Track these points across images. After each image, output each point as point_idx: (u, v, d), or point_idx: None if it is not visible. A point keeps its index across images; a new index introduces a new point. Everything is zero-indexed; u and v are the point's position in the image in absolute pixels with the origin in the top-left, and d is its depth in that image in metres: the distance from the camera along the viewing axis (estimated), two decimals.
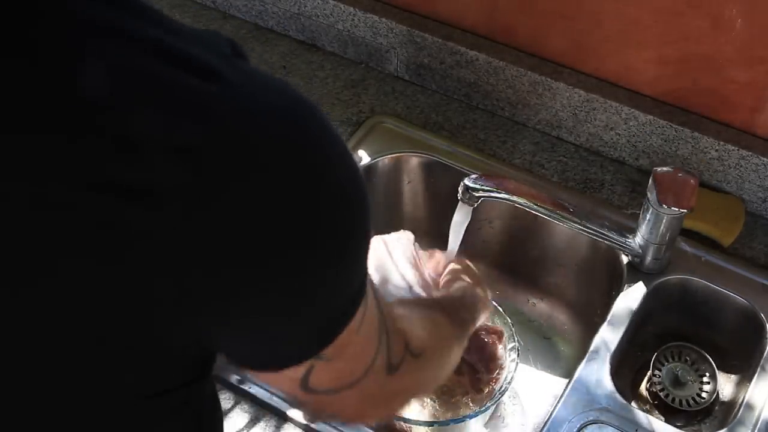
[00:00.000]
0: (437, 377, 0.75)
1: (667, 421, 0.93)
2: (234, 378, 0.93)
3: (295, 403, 0.59)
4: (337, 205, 0.46)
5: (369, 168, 1.17)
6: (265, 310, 0.46)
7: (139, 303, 0.43)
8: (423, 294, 0.94)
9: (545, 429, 0.91)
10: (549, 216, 0.99)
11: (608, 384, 0.94)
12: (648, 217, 0.97)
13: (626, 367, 1.05)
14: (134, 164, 0.39)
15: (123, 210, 0.39)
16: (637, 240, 1.00)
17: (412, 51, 1.24)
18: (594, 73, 1.13)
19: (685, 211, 0.94)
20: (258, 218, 0.42)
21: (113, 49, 0.40)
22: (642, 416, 0.92)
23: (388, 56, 1.27)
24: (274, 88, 0.44)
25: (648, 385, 1.04)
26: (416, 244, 1.00)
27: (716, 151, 1.07)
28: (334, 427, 0.90)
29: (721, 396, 1.03)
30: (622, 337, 0.98)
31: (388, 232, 1.02)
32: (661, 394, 1.02)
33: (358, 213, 0.48)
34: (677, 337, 1.07)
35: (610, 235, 1.01)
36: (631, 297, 1.01)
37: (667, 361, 1.05)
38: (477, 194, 0.97)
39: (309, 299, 0.47)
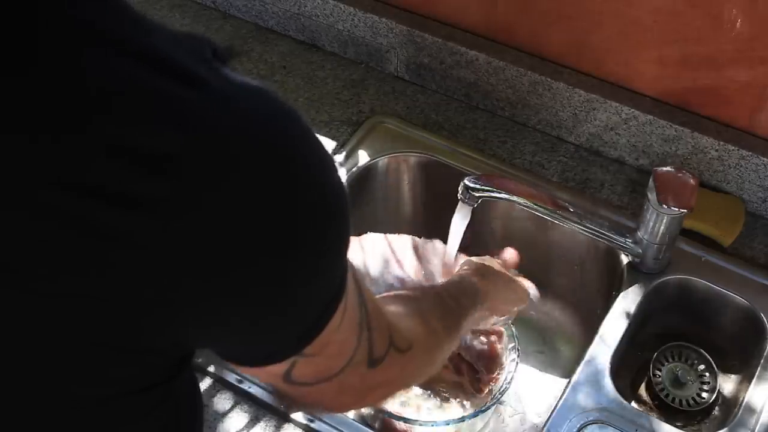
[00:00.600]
0: (426, 370, 0.75)
1: (667, 421, 0.93)
2: (234, 378, 0.93)
3: (275, 392, 0.60)
4: (317, 210, 0.46)
5: (369, 168, 1.17)
6: (248, 314, 0.47)
7: (121, 308, 0.43)
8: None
9: (545, 429, 0.91)
10: (549, 216, 0.99)
11: (608, 384, 0.94)
12: (648, 217, 0.97)
13: (626, 367, 1.05)
14: (115, 171, 0.39)
15: (104, 216, 0.39)
16: (637, 240, 1.00)
17: (412, 51, 1.24)
18: (594, 73, 1.13)
19: (685, 211, 0.94)
20: (239, 225, 0.42)
21: (99, 54, 0.40)
22: (642, 416, 0.92)
23: (388, 56, 1.27)
24: (255, 94, 0.45)
25: (648, 385, 1.04)
26: (421, 238, 1.01)
27: (716, 151, 1.07)
28: (335, 428, 0.90)
29: (721, 396, 1.03)
30: (622, 337, 0.98)
31: (388, 232, 1.02)
32: (661, 394, 1.02)
33: (338, 218, 0.48)
34: (677, 337, 1.07)
35: (610, 235, 1.01)
36: (631, 297, 1.01)
37: (667, 361, 1.05)
38: (477, 194, 0.97)
39: (290, 302, 0.48)
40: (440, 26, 1.21)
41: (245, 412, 0.92)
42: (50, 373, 0.46)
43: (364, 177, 1.17)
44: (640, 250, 1.01)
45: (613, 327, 0.99)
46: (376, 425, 0.97)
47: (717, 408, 1.03)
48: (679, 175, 0.95)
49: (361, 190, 1.17)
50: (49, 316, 0.43)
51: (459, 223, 1.01)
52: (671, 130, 1.09)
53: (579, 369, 0.95)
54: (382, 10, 1.24)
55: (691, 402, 1.02)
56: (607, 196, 1.13)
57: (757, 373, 0.96)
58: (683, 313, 1.06)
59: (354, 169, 1.16)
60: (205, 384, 0.94)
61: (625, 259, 1.04)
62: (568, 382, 0.95)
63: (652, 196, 0.95)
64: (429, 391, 1.02)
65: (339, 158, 1.17)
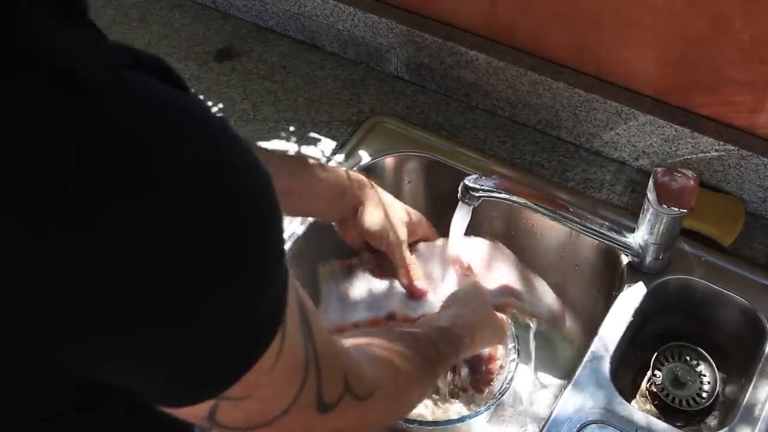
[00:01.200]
0: (390, 417, 0.72)
1: (667, 421, 0.93)
2: None
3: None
4: (227, 240, 0.41)
5: (369, 168, 1.17)
6: (153, 352, 0.43)
7: (24, 336, 0.41)
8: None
9: (545, 429, 0.91)
10: (549, 216, 0.99)
11: (608, 384, 0.94)
12: (648, 217, 0.97)
13: (626, 367, 1.05)
14: (7, 187, 0.37)
15: (10, 241, 0.38)
16: (637, 240, 1.00)
17: (412, 51, 1.24)
18: (594, 73, 1.13)
19: (685, 211, 0.94)
20: (131, 252, 0.39)
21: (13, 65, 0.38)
22: (642, 416, 0.92)
23: (388, 56, 1.27)
24: (160, 105, 0.40)
25: (648, 385, 1.04)
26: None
27: (716, 151, 1.07)
28: None
29: (721, 396, 1.03)
30: (622, 337, 0.98)
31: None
32: (661, 394, 1.02)
33: (257, 249, 0.43)
34: (677, 337, 1.07)
35: (610, 235, 1.01)
36: (631, 297, 1.01)
37: (667, 361, 1.05)
38: (477, 194, 0.97)
39: (198, 341, 0.43)
40: (440, 26, 1.21)
41: None
42: None
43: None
44: (640, 250, 1.01)
45: (613, 327, 0.99)
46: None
47: (717, 408, 1.03)
48: (679, 175, 0.95)
49: None
50: None
51: (459, 223, 1.01)
52: (671, 130, 1.09)
53: (579, 369, 0.95)
54: (382, 10, 1.24)
55: (691, 402, 1.02)
56: (607, 196, 1.13)
57: (757, 373, 0.96)
58: (683, 313, 1.06)
59: (354, 170, 1.16)
60: None
61: (625, 259, 1.04)
62: (568, 382, 0.95)
63: (652, 196, 0.95)
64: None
65: (339, 158, 1.17)
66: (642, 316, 1.01)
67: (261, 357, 0.46)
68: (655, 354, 1.05)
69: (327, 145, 1.19)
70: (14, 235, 0.37)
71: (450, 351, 0.81)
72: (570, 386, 0.94)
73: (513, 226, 1.17)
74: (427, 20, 1.22)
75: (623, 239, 1.01)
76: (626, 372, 1.06)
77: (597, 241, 1.04)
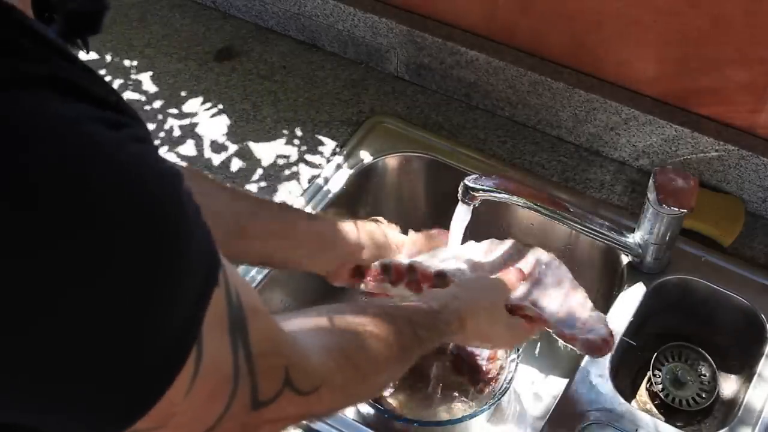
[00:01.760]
0: (342, 407, 0.69)
1: (667, 421, 0.93)
2: None
3: None
4: (116, 247, 0.38)
5: (369, 168, 1.17)
6: (51, 400, 0.40)
7: None
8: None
9: (545, 429, 0.91)
10: (549, 216, 0.99)
11: (608, 384, 0.94)
12: (648, 217, 0.97)
13: (626, 367, 1.05)
14: None
15: None
16: (637, 240, 1.00)
17: (412, 51, 1.24)
18: (594, 73, 1.13)
19: (685, 211, 0.94)
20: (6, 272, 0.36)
21: None
22: (642, 416, 0.92)
23: (388, 56, 1.27)
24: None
25: (648, 385, 1.04)
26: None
27: (716, 151, 1.07)
28: (334, 428, 0.90)
29: (721, 396, 1.03)
30: (622, 337, 0.98)
31: None
32: (661, 394, 1.02)
33: (154, 261, 0.40)
34: (677, 337, 1.07)
35: (610, 235, 1.01)
36: (631, 297, 1.01)
37: (667, 361, 1.05)
38: (477, 194, 0.97)
39: (96, 380, 0.40)
40: (440, 26, 1.21)
41: None
42: None
43: (364, 177, 1.17)
44: (640, 250, 1.01)
45: (613, 327, 0.99)
46: (376, 425, 0.97)
47: (717, 408, 1.03)
48: (679, 175, 0.95)
49: (360, 190, 1.17)
50: None
51: (459, 223, 1.01)
52: (671, 130, 1.09)
53: (579, 369, 0.95)
54: (382, 10, 1.24)
55: (691, 402, 1.02)
56: (607, 196, 1.13)
57: (757, 373, 0.96)
58: (683, 313, 1.06)
59: (354, 169, 1.16)
60: None
61: (625, 259, 1.04)
62: (568, 382, 0.95)
63: (652, 196, 0.95)
64: (429, 391, 1.02)
65: (339, 158, 1.17)
66: (642, 316, 1.01)
67: (168, 387, 0.43)
68: (655, 354, 1.05)
69: (327, 145, 1.19)
70: None
71: (431, 336, 0.76)
72: (570, 386, 0.94)
73: (513, 227, 1.17)
74: (427, 20, 1.22)
75: (623, 239, 1.01)
76: (626, 372, 1.06)
77: (597, 241, 1.04)
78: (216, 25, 1.38)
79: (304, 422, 0.90)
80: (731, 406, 1.00)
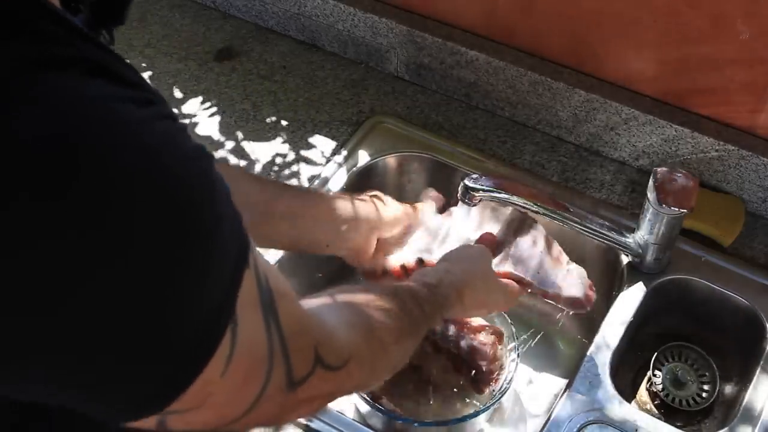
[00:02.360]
0: (368, 382, 0.71)
1: (667, 421, 0.93)
2: None
3: None
4: (150, 231, 0.39)
5: (369, 168, 1.17)
6: (59, 364, 0.40)
7: None
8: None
9: (545, 429, 0.91)
10: (549, 216, 0.99)
11: (608, 384, 0.94)
12: (648, 217, 0.97)
13: (626, 367, 1.05)
14: None
15: None
16: (637, 240, 1.00)
17: (412, 51, 1.24)
18: (594, 73, 1.13)
19: (685, 211, 0.94)
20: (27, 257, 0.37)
21: None
22: (642, 416, 0.92)
23: (388, 56, 1.27)
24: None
25: (648, 385, 1.04)
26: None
27: (716, 151, 1.07)
28: (334, 428, 0.90)
29: (721, 396, 1.03)
30: (622, 337, 0.98)
31: None
32: (661, 394, 1.02)
33: (186, 242, 0.40)
34: (677, 337, 1.07)
35: (610, 235, 1.01)
36: (631, 297, 1.01)
37: (667, 361, 1.05)
38: (477, 194, 0.97)
39: (122, 355, 0.40)
40: (440, 26, 1.21)
41: None
42: None
43: (364, 177, 1.17)
44: (640, 250, 1.01)
45: (613, 327, 0.99)
46: (376, 425, 0.97)
47: (717, 408, 1.03)
48: (679, 175, 0.95)
49: (360, 190, 1.17)
50: None
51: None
52: (671, 130, 1.09)
53: (579, 369, 0.95)
54: (382, 10, 1.24)
55: (691, 402, 1.02)
56: (607, 196, 1.13)
57: (757, 373, 0.96)
58: (683, 313, 1.06)
59: (354, 169, 1.16)
60: None
61: (625, 259, 1.04)
62: (568, 382, 0.95)
63: (652, 196, 0.95)
64: (429, 391, 1.02)
65: (339, 158, 1.17)
66: (642, 316, 1.01)
67: (204, 367, 0.43)
68: (655, 354, 1.05)
69: (327, 145, 1.19)
70: None
71: (434, 310, 0.78)
72: (570, 386, 0.94)
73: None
74: (427, 20, 1.22)
75: (623, 239, 1.01)
76: (626, 372, 1.06)
77: (597, 241, 1.04)
78: (216, 25, 1.38)
79: (305, 422, 0.90)
80: (731, 406, 1.00)
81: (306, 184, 1.14)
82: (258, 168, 1.17)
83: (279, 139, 1.20)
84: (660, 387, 1.03)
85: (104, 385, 0.41)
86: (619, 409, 0.92)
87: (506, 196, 0.98)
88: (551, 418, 0.91)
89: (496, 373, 1.00)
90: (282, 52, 1.34)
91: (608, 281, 1.09)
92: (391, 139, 1.20)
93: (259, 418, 0.52)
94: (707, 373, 1.04)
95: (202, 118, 1.24)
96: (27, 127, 0.36)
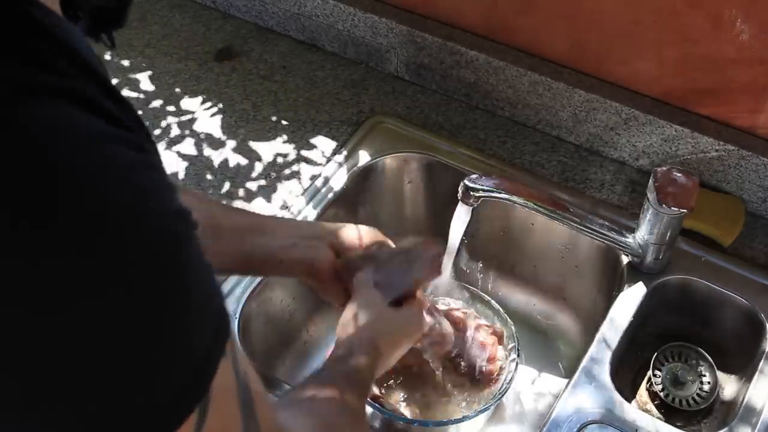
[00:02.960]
0: None
1: (667, 421, 0.93)
2: None
3: None
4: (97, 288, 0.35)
5: (369, 168, 1.17)
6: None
7: None
8: None
9: (545, 429, 0.91)
10: (549, 216, 0.99)
11: (608, 384, 0.94)
12: (648, 217, 0.97)
13: (626, 367, 1.05)
14: None
15: None
16: (637, 240, 1.00)
17: (412, 51, 1.24)
18: (594, 73, 1.13)
19: (685, 211, 0.94)
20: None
21: None
22: (642, 416, 0.92)
23: (388, 56, 1.27)
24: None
25: (648, 385, 1.04)
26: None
27: (716, 151, 1.07)
28: None
29: (721, 396, 1.03)
30: (622, 337, 0.98)
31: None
32: (661, 394, 1.02)
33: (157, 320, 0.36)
34: (677, 337, 1.07)
35: (610, 235, 1.01)
36: (631, 297, 1.01)
37: (667, 361, 1.05)
38: (477, 194, 0.97)
39: (79, 416, 0.36)
40: (440, 26, 1.21)
41: None
42: None
43: (364, 177, 1.17)
44: (640, 250, 1.01)
45: (613, 327, 0.99)
46: (376, 425, 0.97)
47: (717, 408, 1.03)
48: (679, 175, 0.95)
49: (360, 190, 1.17)
50: None
51: (459, 223, 1.01)
52: (671, 130, 1.09)
53: (579, 369, 0.95)
54: (382, 10, 1.24)
55: (691, 402, 1.02)
56: (607, 196, 1.13)
57: (757, 373, 0.96)
58: (683, 313, 1.06)
59: (354, 169, 1.16)
60: None
61: (625, 259, 1.04)
62: (568, 382, 0.95)
63: (652, 196, 0.95)
64: (429, 391, 1.02)
65: (339, 158, 1.17)
66: (642, 316, 1.01)
67: None
68: (655, 354, 1.05)
69: (327, 145, 1.19)
70: None
71: (366, 380, 0.76)
72: (570, 386, 0.94)
73: (513, 226, 1.17)
74: (427, 20, 1.22)
75: (623, 239, 1.01)
76: (626, 372, 1.06)
77: (597, 241, 1.04)
78: (216, 25, 1.38)
79: None
80: (731, 406, 1.00)
81: (306, 184, 1.14)
82: (258, 168, 1.17)
83: (279, 139, 1.20)
84: (660, 387, 1.02)
85: None
86: (619, 409, 0.92)
87: (506, 196, 0.98)
88: (551, 418, 0.91)
89: (497, 373, 1.00)
90: (282, 52, 1.34)
91: (608, 281, 1.09)
92: (391, 139, 1.20)
93: None
94: (707, 373, 1.04)
95: (203, 118, 1.24)
96: (11, 156, 0.34)
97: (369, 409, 0.96)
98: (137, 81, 1.30)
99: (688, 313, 1.06)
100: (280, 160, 1.18)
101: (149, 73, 1.31)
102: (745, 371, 1.01)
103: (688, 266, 1.04)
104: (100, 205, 0.35)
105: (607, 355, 0.96)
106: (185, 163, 1.17)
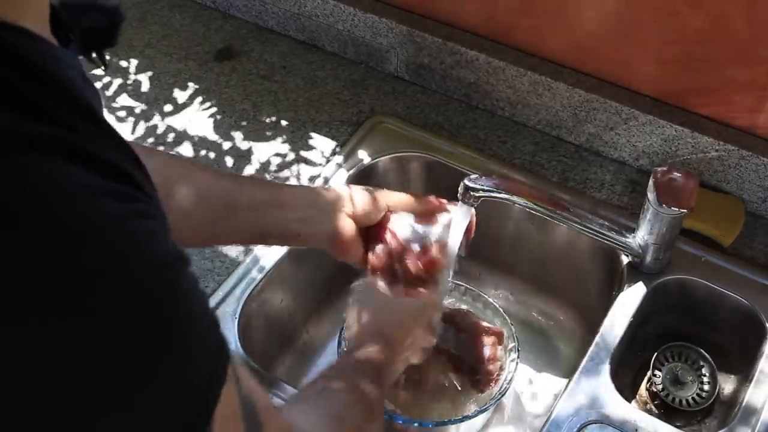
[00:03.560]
0: None
1: (667, 421, 0.93)
2: None
3: None
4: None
5: (369, 168, 1.17)
6: None
7: None
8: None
9: (545, 429, 0.91)
10: (549, 216, 0.99)
11: (608, 384, 0.94)
12: (648, 217, 0.97)
13: (626, 367, 1.05)
14: None
15: None
16: (637, 240, 1.00)
17: (412, 51, 1.24)
18: (594, 73, 1.13)
19: (685, 211, 0.94)
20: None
21: None
22: (642, 416, 0.92)
23: (388, 56, 1.27)
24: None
25: (648, 385, 1.04)
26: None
27: (716, 151, 1.07)
28: None
29: (721, 396, 1.03)
30: (622, 337, 0.98)
31: None
32: (661, 394, 1.02)
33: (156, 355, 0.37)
34: (677, 337, 1.07)
35: (610, 235, 1.01)
36: (631, 297, 1.01)
37: (667, 361, 1.05)
38: (477, 194, 0.97)
39: None
40: (440, 26, 1.21)
41: None
42: None
43: (364, 177, 1.17)
44: (640, 250, 1.01)
45: (613, 327, 0.99)
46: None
47: (717, 408, 1.03)
48: (679, 175, 0.95)
49: None
50: None
51: (459, 223, 1.00)
52: (671, 130, 1.09)
53: (579, 369, 0.95)
54: (382, 10, 1.24)
55: (691, 402, 1.02)
56: (607, 196, 1.13)
57: (757, 373, 0.96)
58: (683, 313, 1.06)
59: (354, 169, 1.16)
60: None
61: (625, 259, 1.04)
62: (568, 382, 0.95)
63: (652, 196, 0.95)
64: (430, 391, 1.02)
65: (339, 158, 1.17)
66: (642, 316, 1.01)
67: None
68: (655, 354, 1.05)
69: (327, 145, 1.19)
70: None
71: (375, 367, 0.77)
72: (570, 386, 0.94)
73: (512, 227, 1.17)
74: (427, 20, 1.22)
75: (623, 239, 1.01)
76: (626, 372, 1.06)
77: (597, 241, 1.04)
78: (216, 25, 1.38)
79: None
80: (731, 406, 1.00)
81: (306, 184, 1.14)
82: (258, 168, 1.17)
83: (279, 139, 1.20)
84: (660, 387, 1.02)
85: None
86: (619, 409, 0.92)
87: (506, 196, 0.98)
88: (551, 418, 0.91)
89: (496, 373, 1.00)
90: (282, 52, 1.34)
91: (608, 281, 1.09)
92: (391, 139, 1.20)
93: None
94: (707, 373, 1.04)
95: (202, 118, 1.24)
96: (6, 212, 0.34)
97: None
98: (137, 81, 1.30)
99: (688, 313, 1.06)
100: (279, 160, 1.18)
101: (149, 73, 1.31)
102: (745, 371, 1.01)
103: (688, 266, 1.04)
104: (97, 261, 0.36)
105: (607, 355, 0.96)
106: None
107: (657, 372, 1.04)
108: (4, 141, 0.35)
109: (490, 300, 1.04)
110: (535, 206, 0.99)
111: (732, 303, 1.02)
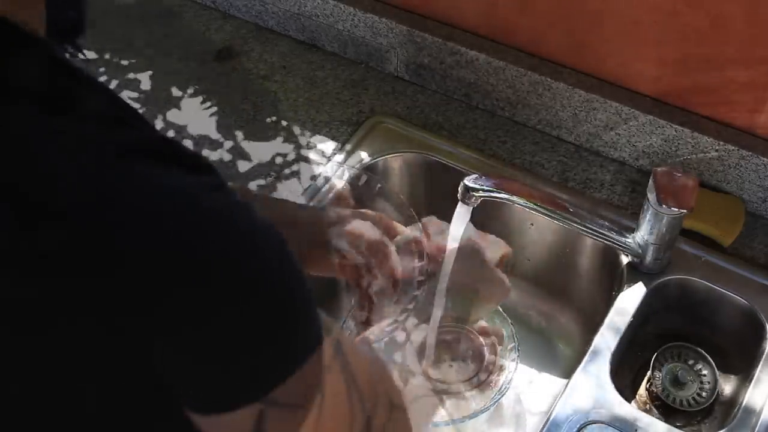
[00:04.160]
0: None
1: (667, 421, 0.93)
2: None
3: None
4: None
5: (369, 168, 1.17)
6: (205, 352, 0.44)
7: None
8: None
9: (545, 429, 0.91)
10: (549, 216, 0.99)
11: (608, 384, 0.94)
12: (648, 217, 0.97)
13: (626, 367, 1.05)
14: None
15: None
16: (637, 240, 1.00)
17: (412, 51, 1.24)
18: (594, 73, 1.13)
19: (685, 211, 0.94)
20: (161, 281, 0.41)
21: None
22: (642, 416, 0.92)
23: (388, 56, 1.27)
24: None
25: (648, 385, 1.04)
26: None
27: (716, 151, 1.07)
28: None
29: (721, 396, 1.03)
30: (622, 337, 0.98)
31: None
32: (661, 394, 1.02)
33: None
34: (677, 337, 1.07)
35: (610, 235, 1.01)
36: (631, 297, 1.01)
37: (667, 361, 1.05)
38: (477, 194, 0.97)
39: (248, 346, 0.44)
40: (440, 26, 1.21)
41: None
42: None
43: None
44: (640, 250, 1.01)
45: (613, 327, 0.99)
46: None
47: (717, 408, 1.03)
48: (679, 175, 0.95)
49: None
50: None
51: (459, 223, 1.00)
52: (671, 130, 1.09)
53: (579, 369, 0.95)
54: (382, 10, 1.24)
55: (691, 402, 1.02)
56: (607, 196, 1.13)
57: (757, 373, 0.96)
58: (683, 313, 1.06)
59: (354, 169, 1.16)
60: None
61: (625, 259, 1.04)
62: (568, 382, 0.95)
63: (652, 196, 0.95)
64: (429, 391, 1.02)
65: (339, 158, 1.17)
66: (642, 316, 1.01)
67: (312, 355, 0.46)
68: (655, 354, 1.05)
69: (327, 145, 1.19)
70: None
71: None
72: (570, 386, 0.94)
73: (513, 226, 1.17)
74: (427, 20, 1.22)
75: (623, 239, 1.01)
76: (626, 372, 1.06)
77: (597, 241, 1.04)
78: (216, 25, 1.38)
79: None
80: (731, 406, 1.00)
81: (306, 184, 1.14)
82: (258, 168, 1.17)
83: (279, 139, 1.20)
84: (660, 387, 1.02)
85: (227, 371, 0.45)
86: (619, 409, 0.92)
87: (506, 196, 0.97)
88: (551, 418, 0.91)
89: (496, 373, 1.00)
90: (282, 52, 1.34)
91: (608, 281, 1.09)
92: (391, 139, 1.20)
93: None
94: (707, 374, 1.04)
95: (202, 118, 1.24)
96: (122, 225, 0.39)
97: None
98: (137, 81, 1.30)
99: (688, 313, 1.06)
100: (279, 160, 1.18)
101: (149, 73, 1.31)
102: (744, 372, 1.01)
103: (688, 266, 1.04)
104: (217, 263, 0.42)
105: (607, 355, 0.96)
106: None
107: (657, 372, 1.04)
108: (120, 150, 0.40)
109: None
110: (535, 206, 0.98)
111: (732, 303, 1.02)
